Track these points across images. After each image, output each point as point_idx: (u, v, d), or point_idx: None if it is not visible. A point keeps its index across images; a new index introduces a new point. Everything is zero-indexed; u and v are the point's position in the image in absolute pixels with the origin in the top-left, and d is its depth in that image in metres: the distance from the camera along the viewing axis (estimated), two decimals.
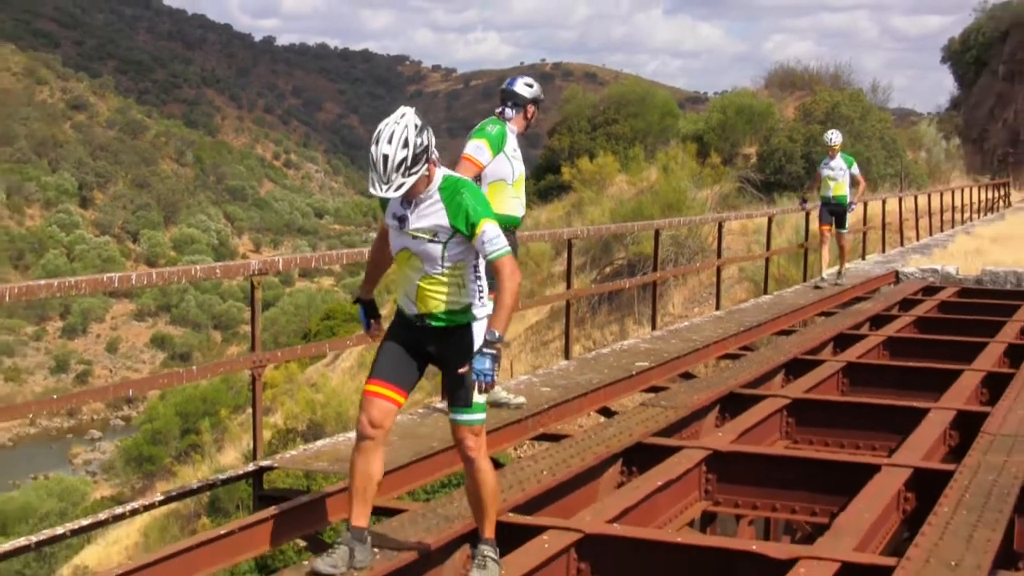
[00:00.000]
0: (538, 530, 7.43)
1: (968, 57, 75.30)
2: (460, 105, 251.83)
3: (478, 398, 6.54)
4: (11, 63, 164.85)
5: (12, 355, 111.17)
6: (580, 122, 53.06)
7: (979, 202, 44.36)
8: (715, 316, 18.06)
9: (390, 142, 6.31)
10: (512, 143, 9.87)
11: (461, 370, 6.48)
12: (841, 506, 8.29)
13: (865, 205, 30.05)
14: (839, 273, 21.97)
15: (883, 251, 29.54)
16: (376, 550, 6.79)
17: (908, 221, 34.03)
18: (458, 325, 6.71)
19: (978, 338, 15.76)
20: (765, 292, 21.97)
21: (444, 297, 6.65)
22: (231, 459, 37.86)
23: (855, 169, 21.44)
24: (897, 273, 23.72)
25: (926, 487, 8.71)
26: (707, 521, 9.94)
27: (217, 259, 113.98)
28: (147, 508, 8.88)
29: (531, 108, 10.05)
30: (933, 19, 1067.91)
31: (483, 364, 6.33)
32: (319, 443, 9.88)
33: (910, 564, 6.77)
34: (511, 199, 9.86)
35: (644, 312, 28.20)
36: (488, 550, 6.59)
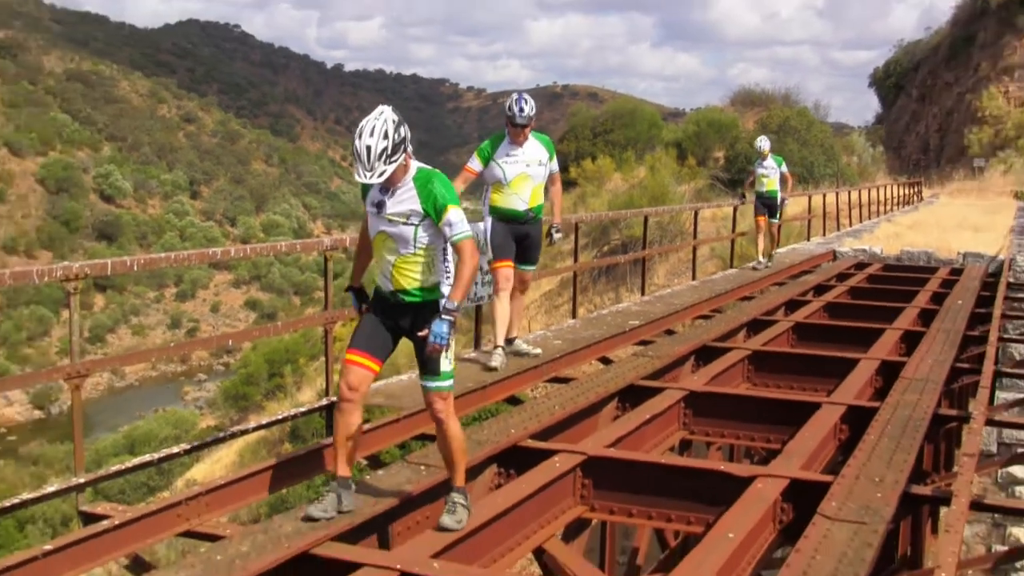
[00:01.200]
0: (550, 453, 7.44)
1: (889, 83, 78.50)
2: (489, 118, 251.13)
3: (445, 366, 6.21)
4: (138, 86, 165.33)
5: (137, 315, 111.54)
6: (584, 131, 53.04)
7: (898, 197, 44.41)
8: (691, 285, 18.03)
9: (372, 135, 6.02)
10: (505, 151, 10.01)
11: (420, 333, 6.19)
12: (790, 435, 8.29)
13: (809, 198, 30.07)
14: (769, 257, 20.78)
15: (824, 235, 29.59)
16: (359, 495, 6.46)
17: (843, 211, 34.14)
18: (428, 302, 6.35)
19: (898, 303, 15.76)
20: (731, 266, 21.92)
21: (416, 275, 6.30)
22: (308, 397, 37.95)
23: (784, 168, 20.54)
24: (835, 252, 23.63)
25: (857, 420, 8.75)
26: (684, 447, 9.89)
27: (296, 239, 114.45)
28: (242, 433, 8.98)
29: (508, 125, 10.00)
30: (862, 53, 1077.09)
31: (440, 328, 6.05)
32: (376, 384, 9.87)
33: (844, 480, 6.77)
34: (509, 195, 10.08)
35: (635, 282, 28.10)
36: (458, 496, 6.23)
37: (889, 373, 10.77)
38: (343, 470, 6.37)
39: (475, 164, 10.02)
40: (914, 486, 7.08)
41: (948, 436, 10.73)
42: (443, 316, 6.09)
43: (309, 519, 6.13)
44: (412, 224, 6.23)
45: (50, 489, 6.94)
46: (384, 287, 6.41)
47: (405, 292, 6.33)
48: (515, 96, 10.12)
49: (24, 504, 6.74)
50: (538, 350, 10.69)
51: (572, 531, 7.46)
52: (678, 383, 10.17)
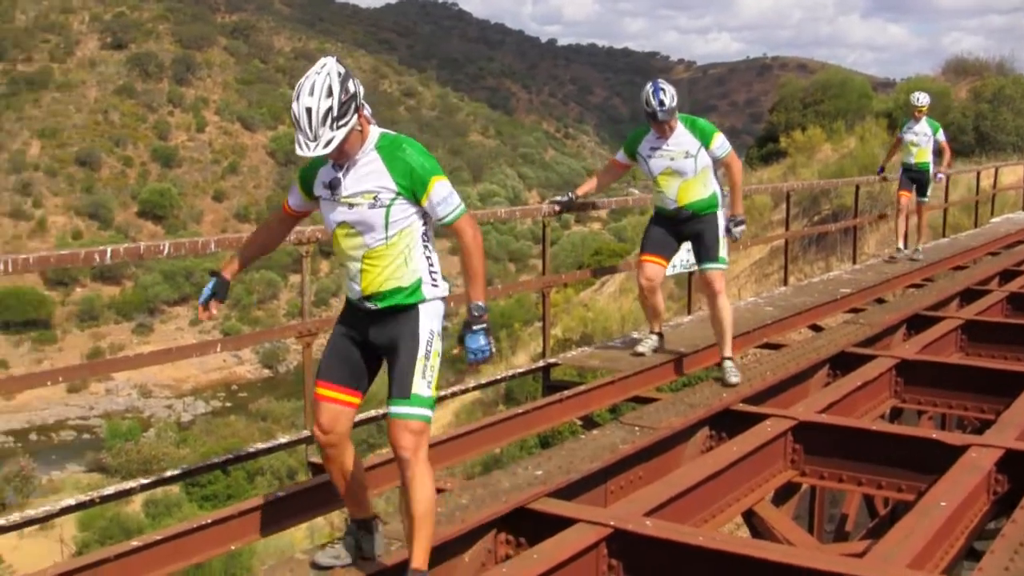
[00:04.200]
0: (762, 417, 7.36)
1: None
2: (698, 90, 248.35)
3: (421, 388, 4.80)
4: (362, 63, 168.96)
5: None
6: (794, 102, 52.06)
7: None
8: (904, 253, 17.56)
9: (311, 93, 4.61)
10: (649, 145, 8.62)
11: (456, 351, 5.02)
12: (1005, 405, 7.99)
13: None
14: (916, 249, 16.66)
15: None
16: (386, 541, 5.28)
17: None
18: (404, 306, 4.92)
19: None
20: (944, 236, 21.24)
21: (389, 272, 4.88)
22: (521, 361, 38.34)
23: (941, 135, 16.18)
24: None
25: None
26: (895, 415, 9.68)
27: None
28: (463, 392, 9.12)
29: (646, 118, 8.54)
30: None
31: (476, 341, 4.90)
32: (592, 347, 9.96)
33: None
34: (658, 193, 8.69)
35: (845, 251, 27.51)
36: None
37: None
38: (360, 512, 5.20)
39: (620, 156, 8.94)
40: None
41: None
42: (474, 326, 4.92)
43: (316, 567, 5.16)
44: (382, 205, 4.81)
45: (282, 440, 7.22)
46: (352, 294, 5.01)
47: (378, 296, 4.92)
48: (651, 87, 8.45)
49: (257, 454, 7.02)
50: (737, 378, 8.51)
51: (781, 495, 7.37)
52: (889, 351, 9.93)
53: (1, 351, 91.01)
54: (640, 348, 9.11)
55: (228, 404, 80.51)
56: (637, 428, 7.13)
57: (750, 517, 6.69)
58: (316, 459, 6.83)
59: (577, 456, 6.58)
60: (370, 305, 4.94)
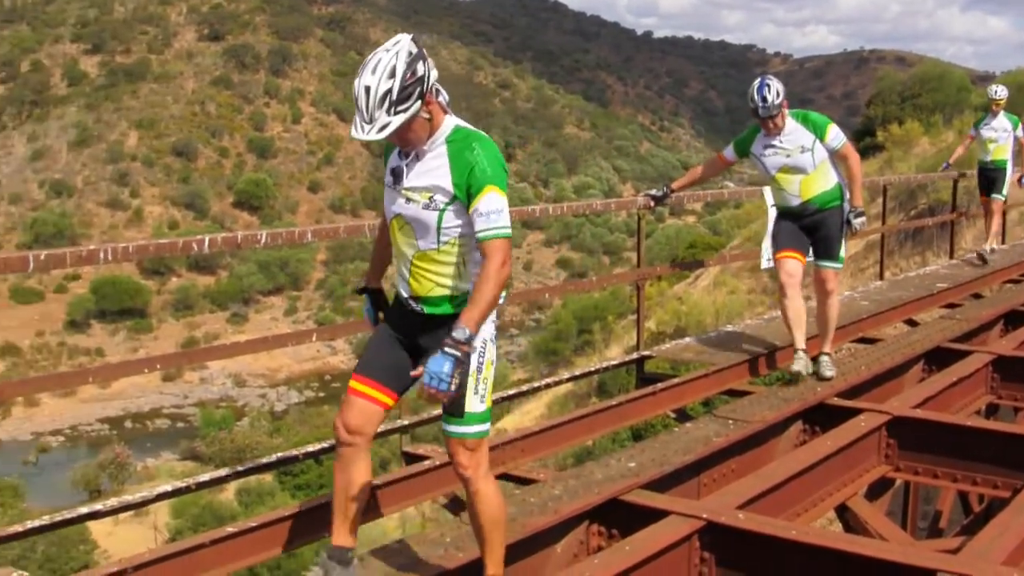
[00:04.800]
0: (856, 412, 7.31)
1: None
2: (795, 83, 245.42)
3: (474, 405, 4.48)
4: (457, 55, 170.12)
5: None
6: (891, 96, 51.44)
7: None
8: (1001, 249, 17.29)
9: (374, 72, 4.21)
10: (762, 144, 8.45)
11: (414, 372, 4.45)
12: None
13: None
14: (991, 248, 15.22)
15: None
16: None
17: None
18: (454, 315, 4.46)
19: None
20: None
21: (440, 280, 4.50)
22: (614, 353, 38.31)
23: (1020, 131, 15.02)
24: None
25: None
26: (991, 411, 9.56)
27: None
28: (556, 384, 9.19)
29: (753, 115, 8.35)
30: None
31: (439, 366, 4.11)
32: (686, 339, 9.96)
33: None
34: (778, 191, 8.51)
35: (942, 246, 27.15)
36: None
37: None
38: (339, 538, 4.75)
39: (729, 153, 8.77)
40: None
41: None
42: (447, 349, 4.17)
43: None
44: (435, 208, 4.41)
45: (379, 429, 7.32)
46: (402, 291, 4.66)
47: (425, 300, 4.57)
48: (757, 83, 8.29)
49: None
50: (832, 372, 8.45)
51: (875, 490, 7.32)
52: (986, 347, 9.80)
53: (98, 339, 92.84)
54: (794, 367, 8.33)
55: (321, 394, 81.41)
56: (731, 421, 7.14)
57: (843, 512, 6.66)
58: (410, 448, 6.93)
59: (670, 448, 6.60)
60: (418, 307, 4.59)
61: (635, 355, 9.11)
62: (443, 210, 4.38)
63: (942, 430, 7.06)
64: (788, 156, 8.34)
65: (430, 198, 4.39)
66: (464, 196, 4.33)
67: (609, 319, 48.43)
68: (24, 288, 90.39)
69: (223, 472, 6.31)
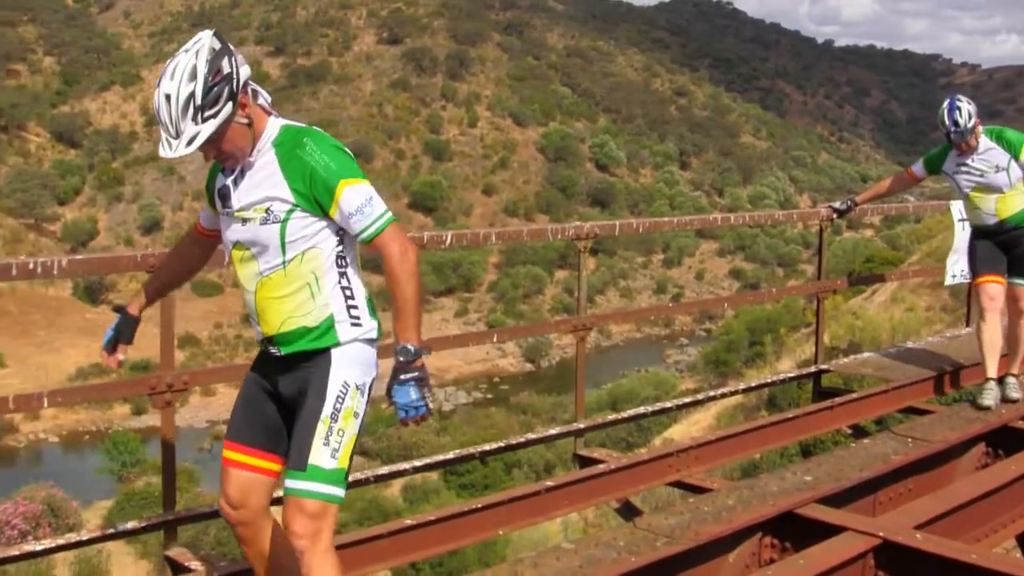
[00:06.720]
0: None
1: None
2: (983, 94, 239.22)
3: (321, 460, 3.77)
4: (634, 62, 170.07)
5: (625, 278, 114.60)
6: None
7: None
8: None
9: (172, 78, 3.61)
10: (954, 163, 8.15)
11: (386, 407, 3.84)
12: None
13: None
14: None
15: None
16: None
17: None
18: (313, 352, 3.87)
19: None
20: None
21: (289, 309, 3.83)
22: (785, 366, 37.83)
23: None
24: None
25: None
26: None
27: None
28: (732, 394, 9.18)
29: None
30: None
31: (405, 395, 3.72)
32: (865, 354, 9.85)
33: None
34: (973, 210, 8.24)
35: None
36: None
37: None
38: None
39: (918, 169, 8.54)
40: None
41: None
42: (403, 376, 3.75)
43: None
44: (275, 220, 3.77)
45: (552, 431, 7.42)
46: (257, 335, 4.00)
47: (280, 340, 3.89)
48: (947, 105, 7.97)
49: (527, 444, 7.25)
50: (1019, 394, 8.10)
51: None
52: None
53: None
54: (983, 400, 7.87)
55: (489, 396, 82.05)
56: (910, 440, 7.03)
57: None
58: (585, 452, 7.00)
59: (847, 464, 6.54)
60: (274, 350, 3.93)
61: (812, 368, 9.03)
62: (284, 220, 3.77)
63: None
64: (982, 176, 8.08)
65: (267, 211, 3.77)
66: (310, 204, 3.76)
67: (781, 331, 47.87)
68: (205, 282, 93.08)
69: (403, 466, 6.49)
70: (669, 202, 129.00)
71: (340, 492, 3.83)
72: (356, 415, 3.87)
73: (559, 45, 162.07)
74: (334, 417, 3.79)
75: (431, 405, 3.78)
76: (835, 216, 9.00)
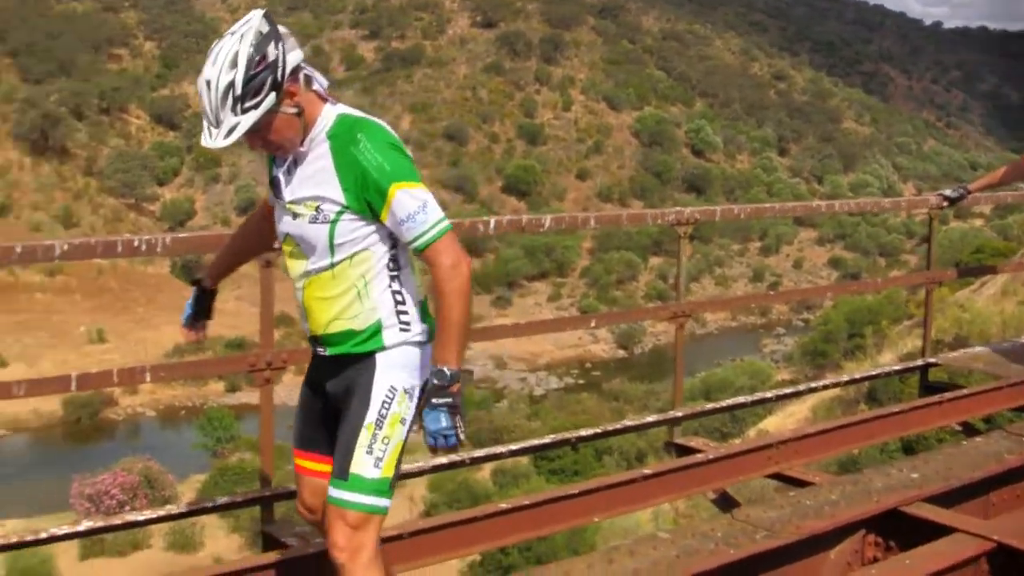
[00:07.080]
0: None
1: None
2: None
3: (364, 469, 3.62)
4: (731, 45, 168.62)
5: (721, 266, 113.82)
6: None
7: None
8: None
9: (214, 63, 3.42)
10: None
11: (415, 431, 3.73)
12: None
13: None
14: None
15: None
16: None
17: None
18: (364, 355, 3.71)
19: None
20: None
21: (336, 311, 3.68)
22: (887, 359, 37.28)
23: None
24: None
25: None
26: None
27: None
28: (823, 388, 9.03)
29: None
30: None
31: (436, 422, 3.52)
32: (976, 348, 9.62)
33: None
34: None
35: None
36: None
37: None
38: None
39: None
40: None
41: None
42: (435, 400, 3.55)
43: None
44: (324, 221, 3.61)
45: (649, 419, 7.35)
46: (304, 329, 3.86)
47: (326, 340, 3.76)
48: None
49: (623, 431, 7.18)
50: None
51: None
52: None
53: None
54: None
55: (580, 381, 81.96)
56: None
57: None
58: (682, 440, 6.90)
59: (957, 462, 6.35)
60: (320, 349, 3.81)
61: (919, 361, 8.81)
62: (334, 222, 3.59)
63: None
64: None
65: (316, 208, 3.60)
66: (361, 207, 3.56)
67: (883, 323, 47.22)
68: None
69: (499, 449, 6.46)
70: (767, 189, 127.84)
71: (383, 502, 3.69)
72: (403, 421, 3.72)
73: (654, 28, 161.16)
74: (379, 424, 3.67)
75: (462, 436, 3.58)
76: (945, 204, 8.78)
